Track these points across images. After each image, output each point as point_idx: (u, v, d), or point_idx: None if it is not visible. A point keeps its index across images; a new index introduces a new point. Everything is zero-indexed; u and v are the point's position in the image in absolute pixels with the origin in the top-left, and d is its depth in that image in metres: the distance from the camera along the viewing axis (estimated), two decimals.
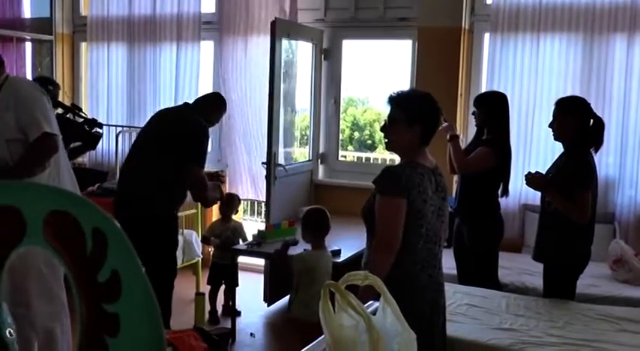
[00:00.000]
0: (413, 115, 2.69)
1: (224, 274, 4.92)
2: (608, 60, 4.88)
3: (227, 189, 5.84)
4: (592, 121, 3.69)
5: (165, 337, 0.77)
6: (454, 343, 3.13)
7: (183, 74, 6.29)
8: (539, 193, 3.88)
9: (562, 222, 3.62)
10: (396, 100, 2.75)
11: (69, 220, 0.77)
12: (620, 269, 4.43)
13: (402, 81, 5.78)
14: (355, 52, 6.22)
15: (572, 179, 3.58)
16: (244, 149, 6.11)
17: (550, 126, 3.76)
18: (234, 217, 5.27)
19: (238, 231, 5.12)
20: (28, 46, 7.15)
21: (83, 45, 7.04)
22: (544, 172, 3.83)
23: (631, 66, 4.82)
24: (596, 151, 3.73)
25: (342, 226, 5.11)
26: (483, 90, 5.31)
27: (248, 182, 6.17)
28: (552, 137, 3.81)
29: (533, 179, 3.69)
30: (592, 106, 4.75)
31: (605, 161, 4.90)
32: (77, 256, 0.77)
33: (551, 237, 3.73)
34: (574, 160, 3.64)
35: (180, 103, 4.88)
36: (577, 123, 3.66)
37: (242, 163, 6.15)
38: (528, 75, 5.07)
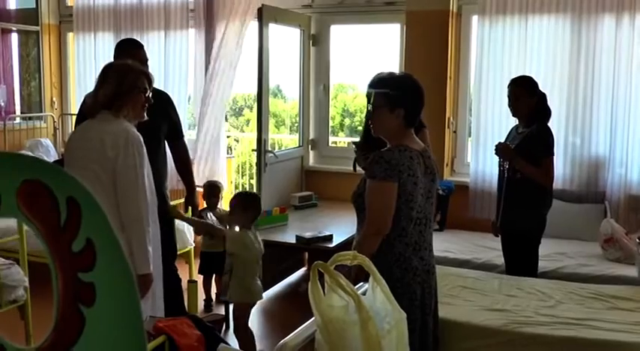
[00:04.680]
0: (394, 100, 2.69)
1: (215, 262, 4.90)
2: (596, 40, 4.86)
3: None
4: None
5: (141, 305, 0.75)
6: (447, 324, 3.14)
7: (172, 63, 6.23)
8: None
9: (527, 189, 3.87)
10: (376, 86, 2.76)
11: (43, 190, 0.75)
12: (610, 248, 4.45)
13: (392, 65, 5.75)
14: (343, 37, 6.19)
15: (539, 147, 3.87)
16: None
17: (510, 105, 4.01)
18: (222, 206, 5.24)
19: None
20: (15, 37, 7.09)
21: (70, 35, 6.98)
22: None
23: (619, 46, 4.80)
24: (547, 121, 3.99)
25: (333, 212, 5.12)
26: (472, 73, 5.30)
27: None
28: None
29: (502, 149, 3.96)
30: (581, 86, 4.96)
31: (595, 140, 4.91)
32: (52, 225, 0.75)
33: (517, 204, 3.92)
34: (537, 130, 3.90)
35: (168, 91, 4.83)
36: (538, 100, 3.96)
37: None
38: (517, 57, 5.05)
